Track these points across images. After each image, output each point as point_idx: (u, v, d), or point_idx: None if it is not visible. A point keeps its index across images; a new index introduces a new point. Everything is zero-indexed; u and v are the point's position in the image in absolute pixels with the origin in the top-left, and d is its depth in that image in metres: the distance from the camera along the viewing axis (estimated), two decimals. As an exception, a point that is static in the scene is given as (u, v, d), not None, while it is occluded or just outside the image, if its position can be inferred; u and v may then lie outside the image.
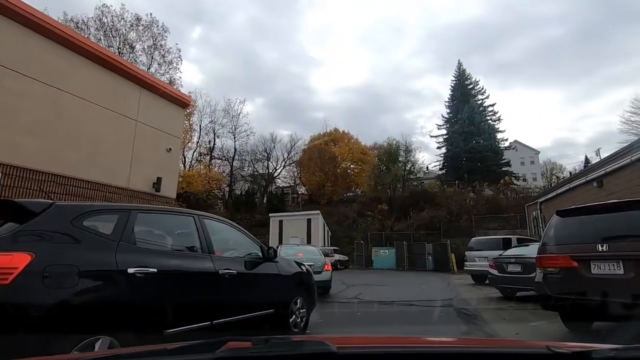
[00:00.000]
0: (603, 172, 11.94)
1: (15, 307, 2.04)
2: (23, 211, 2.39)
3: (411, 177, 43.87)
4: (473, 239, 14.82)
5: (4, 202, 2.67)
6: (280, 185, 49.57)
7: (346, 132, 48.34)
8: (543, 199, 18.73)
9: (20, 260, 2.10)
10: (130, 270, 2.61)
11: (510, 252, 9.28)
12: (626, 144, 12.41)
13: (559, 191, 16.45)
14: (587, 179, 13.10)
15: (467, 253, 13.57)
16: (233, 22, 71.00)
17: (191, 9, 63.17)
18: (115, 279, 2.53)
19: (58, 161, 7.76)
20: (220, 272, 3.39)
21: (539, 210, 19.21)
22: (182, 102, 11.48)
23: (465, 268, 13.69)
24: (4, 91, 7.02)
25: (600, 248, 4.12)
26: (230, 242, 4.12)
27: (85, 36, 29.75)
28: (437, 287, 12.07)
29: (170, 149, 10.54)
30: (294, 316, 4.50)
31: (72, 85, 8.10)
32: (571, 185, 14.89)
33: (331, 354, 0.94)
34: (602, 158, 14.20)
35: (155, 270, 2.76)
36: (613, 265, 4.00)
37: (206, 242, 3.46)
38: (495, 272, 8.64)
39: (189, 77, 60.04)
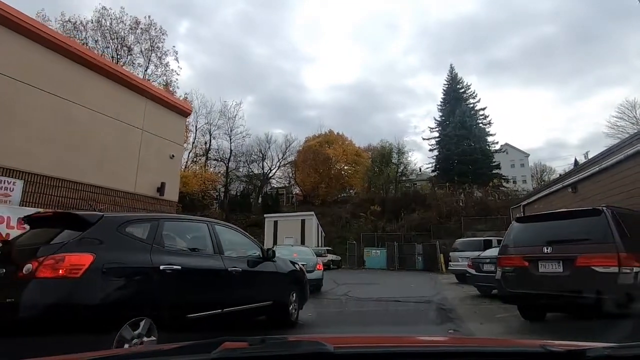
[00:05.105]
0: (577, 178, 12.81)
1: (86, 294, 2.77)
2: (83, 221, 3.12)
3: (403, 178, 44.84)
4: (458, 240, 15.69)
5: (68, 214, 3.38)
6: (275, 186, 50.23)
7: (340, 133, 49.24)
8: (526, 202, 19.66)
9: (86, 259, 2.82)
10: (162, 268, 3.34)
11: (486, 252, 10.11)
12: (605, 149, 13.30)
13: (539, 195, 17.37)
14: (564, 184, 13.98)
15: (451, 254, 14.42)
16: (221, 17, 70.06)
17: (178, 1, 61.96)
18: (151, 274, 3.26)
19: (70, 168, 8.40)
20: (229, 269, 4.14)
21: (522, 213, 20.15)
22: (183, 111, 12.18)
23: (449, 268, 14.53)
24: (19, 103, 7.64)
25: (545, 250, 4.93)
26: (236, 244, 4.84)
27: (83, 37, 30.30)
28: (423, 285, 12.86)
29: (173, 155, 11.23)
30: (290, 307, 5.26)
31: (82, 97, 8.73)
32: (550, 190, 15.78)
33: (328, 354, 0.94)
34: (578, 165, 15.12)
35: (179, 267, 3.50)
36: (554, 264, 4.81)
37: (217, 244, 4.21)
38: (472, 271, 9.45)
39: (178, 73, 59.25)
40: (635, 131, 11.14)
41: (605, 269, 4.38)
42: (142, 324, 3.01)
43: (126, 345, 2.84)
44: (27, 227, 3.67)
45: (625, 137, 12.00)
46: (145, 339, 3.03)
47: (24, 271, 2.66)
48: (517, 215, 20.83)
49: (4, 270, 2.81)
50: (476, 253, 11.61)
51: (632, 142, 9.89)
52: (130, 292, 3.03)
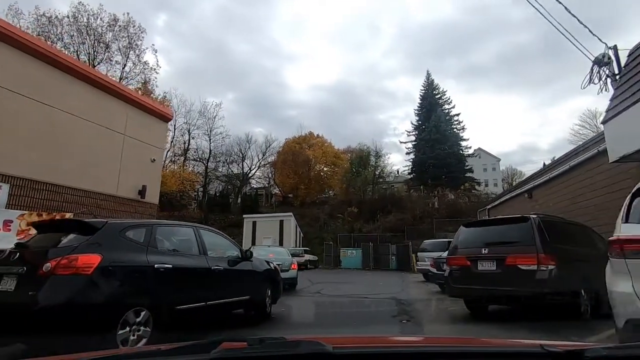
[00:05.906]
0: (532, 185, 14.10)
1: (95, 288, 3.37)
2: (90, 227, 3.71)
3: (380, 180, 46.16)
4: (425, 241, 16.77)
5: (77, 220, 3.94)
6: (255, 186, 50.46)
7: (320, 135, 50.14)
8: (491, 206, 21.08)
9: (95, 259, 3.41)
10: (156, 266, 3.95)
11: (446, 253, 11.08)
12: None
13: (502, 199, 18.78)
14: (521, 190, 15.31)
15: (419, 254, 15.44)
16: (200, 11, 68.36)
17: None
18: (148, 272, 3.87)
19: (54, 172, 8.73)
20: (212, 267, 4.78)
21: (487, 216, 21.58)
22: (164, 116, 12.59)
23: (417, 267, 15.55)
24: (4, 110, 7.93)
25: (483, 251, 5.84)
26: (218, 245, 5.48)
27: (58, 32, 29.69)
28: (392, 284, 13.76)
29: (154, 159, 11.64)
30: (266, 301, 5.94)
31: (65, 103, 9.05)
32: (511, 195, 17.14)
33: (327, 354, 0.95)
34: (534, 173, 16.54)
35: (170, 266, 4.12)
36: (489, 263, 5.72)
37: (202, 246, 4.85)
38: (434, 270, 10.39)
39: (157, 72, 57.25)
40: (582, 142, 12.43)
41: (527, 267, 5.31)
42: (142, 314, 3.62)
43: (127, 329, 3.46)
44: (35, 231, 4.19)
45: (573, 148, 13.31)
46: (142, 328, 3.64)
47: (43, 269, 3.22)
48: (484, 218, 22.25)
49: (24, 269, 3.36)
50: (441, 253, 12.63)
51: (577, 153, 11.17)
52: (131, 286, 3.65)
